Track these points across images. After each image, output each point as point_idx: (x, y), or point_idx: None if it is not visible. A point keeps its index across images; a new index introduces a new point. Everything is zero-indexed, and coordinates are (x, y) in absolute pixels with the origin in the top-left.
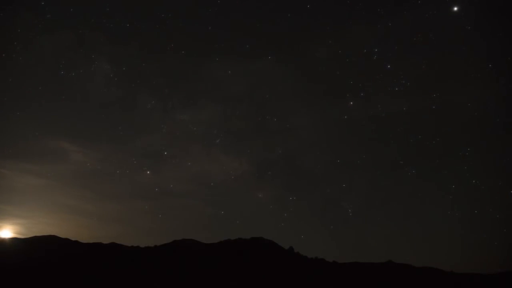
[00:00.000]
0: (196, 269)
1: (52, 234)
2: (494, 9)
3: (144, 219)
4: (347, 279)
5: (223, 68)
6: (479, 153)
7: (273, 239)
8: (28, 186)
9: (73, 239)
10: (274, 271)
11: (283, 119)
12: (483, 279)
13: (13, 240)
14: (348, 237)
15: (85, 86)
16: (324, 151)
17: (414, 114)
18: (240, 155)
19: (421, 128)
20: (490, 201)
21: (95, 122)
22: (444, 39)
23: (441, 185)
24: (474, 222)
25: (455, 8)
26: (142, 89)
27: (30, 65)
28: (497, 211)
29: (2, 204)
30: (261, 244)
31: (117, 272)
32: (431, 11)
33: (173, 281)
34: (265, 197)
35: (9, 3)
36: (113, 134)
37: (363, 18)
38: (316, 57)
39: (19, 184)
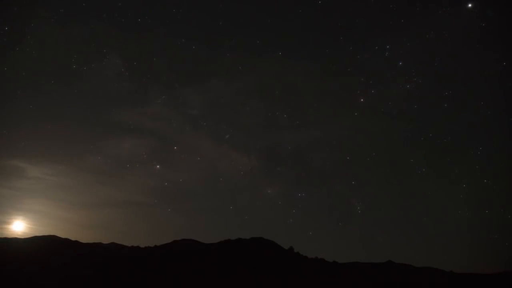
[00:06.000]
0: (196, 269)
1: (52, 234)
2: (509, 6)
3: (153, 213)
4: (347, 279)
5: (233, 63)
6: (491, 153)
7: (276, 237)
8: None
9: (73, 239)
10: (274, 271)
11: (293, 116)
12: (483, 279)
13: (13, 240)
14: (356, 235)
15: (97, 80)
16: (333, 148)
17: (425, 112)
18: (250, 150)
19: (432, 126)
20: (502, 201)
21: (103, 117)
22: (457, 36)
23: (452, 184)
24: (484, 222)
25: (469, 5)
26: (153, 83)
27: (43, 59)
28: (509, 212)
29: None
30: (261, 244)
31: (117, 272)
32: (445, 7)
33: (173, 281)
34: (274, 193)
35: None
36: (123, 129)
37: (374, 15)
38: (327, 54)
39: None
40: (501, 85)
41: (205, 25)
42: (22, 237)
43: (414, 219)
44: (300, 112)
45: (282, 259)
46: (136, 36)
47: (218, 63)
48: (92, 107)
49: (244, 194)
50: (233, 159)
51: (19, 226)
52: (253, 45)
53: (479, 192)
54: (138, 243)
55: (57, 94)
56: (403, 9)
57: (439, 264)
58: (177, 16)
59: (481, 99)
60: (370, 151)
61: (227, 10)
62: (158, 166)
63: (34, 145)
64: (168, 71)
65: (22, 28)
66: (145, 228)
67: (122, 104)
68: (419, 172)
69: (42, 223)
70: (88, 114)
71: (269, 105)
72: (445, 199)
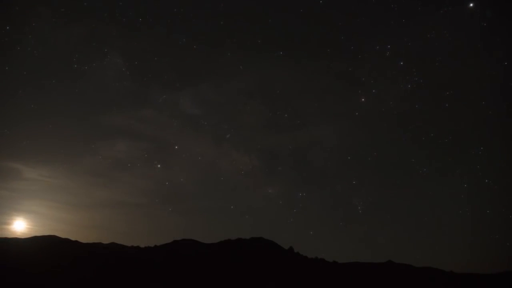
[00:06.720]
0: (196, 269)
1: (52, 234)
2: (510, 6)
3: (153, 213)
4: (347, 279)
5: (234, 63)
6: (492, 153)
7: (276, 237)
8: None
9: (73, 239)
10: (274, 271)
11: (294, 115)
12: (483, 279)
13: (13, 240)
14: (357, 234)
15: (98, 79)
16: (334, 148)
17: (426, 112)
18: (250, 150)
19: (433, 126)
20: (502, 201)
21: (104, 116)
22: (458, 36)
23: (453, 184)
24: (485, 222)
25: (471, 5)
26: (154, 83)
27: (44, 58)
28: (510, 211)
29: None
30: (261, 244)
31: (117, 272)
32: (446, 7)
33: (173, 281)
34: (275, 192)
35: None
36: (124, 128)
37: (376, 14)
38: (328, 53)
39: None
40: (502, 85)
41: (206, 24)
42: (22, 238)
43: (415, 219)
44: (300, 112)
45: (282, 259)
46: (137, 36)
47: (219, 62)
48: (92, 106)
49: (245, 194)
50: (234, 158)
51: (18, 227)
52: (254, 45)
53: (480, 192)
54: (138, 243)
55: (58, 94)
56: (404, 9)
57: (439, 264)
58: (178, 16)
59: (481, 99)
60: (371, 151)
61: (228, 9)
62: (159, 166)
63: (34, 145)
64: (169, 71)
65: (23, 27)
66: (145, 228)
67: (123, 104)
68: (420, 172)
69: (42, 223)
70: (88, 114)
71: (270, 105)
72: (445, 199)
